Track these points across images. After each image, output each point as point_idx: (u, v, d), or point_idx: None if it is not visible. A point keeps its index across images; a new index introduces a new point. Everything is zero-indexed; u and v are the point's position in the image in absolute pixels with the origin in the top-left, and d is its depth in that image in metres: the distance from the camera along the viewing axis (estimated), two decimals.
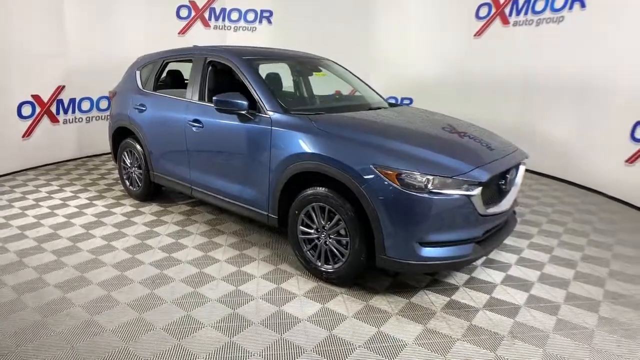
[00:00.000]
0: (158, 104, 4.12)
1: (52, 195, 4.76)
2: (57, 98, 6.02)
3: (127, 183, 4.69)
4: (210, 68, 3.77)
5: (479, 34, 6.63)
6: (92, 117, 6.52)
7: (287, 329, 2.48)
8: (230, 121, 3.36)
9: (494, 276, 3.14)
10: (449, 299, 2.83)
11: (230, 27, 7.64)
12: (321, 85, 4.46)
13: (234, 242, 3.64)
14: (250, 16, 7.65)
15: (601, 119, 5.12)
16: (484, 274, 3.17)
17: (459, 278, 3.10)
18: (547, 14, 5.76)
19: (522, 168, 3.26)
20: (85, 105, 6.42)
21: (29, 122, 5.70)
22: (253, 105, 3.25)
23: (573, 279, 3.12)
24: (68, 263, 3.23)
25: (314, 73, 4.09)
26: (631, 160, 4.70)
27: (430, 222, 2.54)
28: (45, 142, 5.93)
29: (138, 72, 4.51)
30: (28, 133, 5.72)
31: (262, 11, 7.64)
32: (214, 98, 3.23)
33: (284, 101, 3.33)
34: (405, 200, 2.51)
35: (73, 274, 3.07)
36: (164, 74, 4.40)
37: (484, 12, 6.54)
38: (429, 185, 2.51)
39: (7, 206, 4.39)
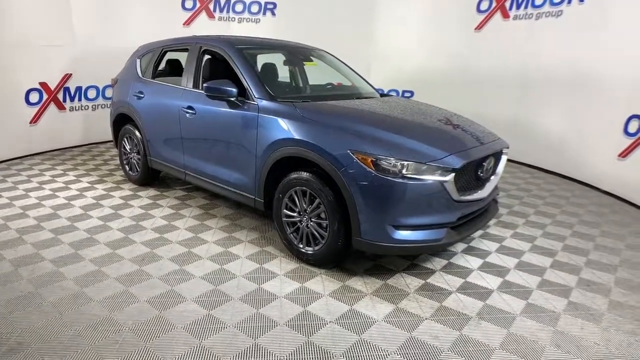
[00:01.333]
0: (155, 91, 4.26)
1: (56, 179, 4.94)
2: (64, 86, 6.21)
3: (127, 168, 4.85)
4: (204, 56, 3.89)
5: (479, 27, 6.64)
6: (97, 105, 6.70)
7: (264, 304, 2.60)
8: (221, 108, 3.48)
9: (472, 262, 3.22)
10: (423, 281, 2.92)
11: (235, 19, 7.75)
12: (317, 75, 4.56)
13: (224, 225, 3.77)
14: (254, 8, 7.75)
15: (596, 113, 5.13)
16: (462, 259, 3.26)
17: (436, 263, 3.19)
18: (547, 7, 5.76)
19: (503, 158, 3.33)
20: (92, 94, 6.60)
21: (36, 108, 5.90)
22: (242, 92, 3.36)
23: (550, 267, 3.18)
24: (64, 241, 3.39)
25: (304, 63, 4.18)
26: (624, 154, 4.72)
27: (404, 206, 2.64)
28: (51, 128, 6.12)
29: (138, 61, 4.65)
30: (35, 119, 5.92)
31: (266, 3, 7.73)
32: (204, 85, 3.36)
33: (273, 89, 3.44)
34: (380, 184, 2.61)
35: (68, 251, 3.23)
36: (163, 63, 4.53)
37: (485, 5, 6.54)
38: (403, 171, 2.60)
39: (11, 188, 4.58)
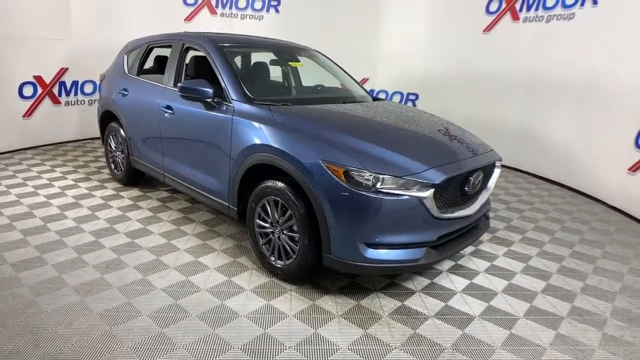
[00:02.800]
0: (138, 88, 4.12)
1: (41, 175, 4.85)
2: (60, 80, 6.13)
3: (112, 167, 4.73)
4: (186, 54, 3.73)
5: (488, 29, 6.34)
6: (94, 99, 6.60)
7: (222, 324, 2.42)
8: (197, 109, 3.31)
9: (457, 283, 2.99)
10: (400, 304, 2.70)
11: (237, 15, 7.58)
12: (309, 76, 4.36)
13: (200, 232, 3.60)
14: (258, 4, 7.57)
15: (605, 123, 4.81)
16: (446, 280, 3.03)
17: (418, 282, 2.97)
18: (558, 10, 5.44)
19: (496, 171, 3.09)
20: (88, 88, 6.52)
21: (30, 102, 5.83)
22: (220, 93, 3.18)
23: (542, 291, 2.93)
24: (32, 243, 3.27)
25: (289, 63, 3.97)
26: (634, 168, 4.40)
27: (377, 222, 2.42)
28: (45, 122, 6.06)
29: (126, 57, 4.52)
30: (29, 113, 5.85)
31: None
32: (178, 85, 3.18)
33: (254, 90, 3.25)
34: (351, 198, 2.40)
35: (32, 254, 3.10)
36: (149, 59, 4.38)
37: (494, 6, 6.24)
38: (377, 184, 2.39)
39: None
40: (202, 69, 3.63)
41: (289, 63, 3.97)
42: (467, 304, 2.74)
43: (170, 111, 3.59)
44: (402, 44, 7.29)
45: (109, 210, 3.94)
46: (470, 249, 3.53)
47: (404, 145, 2.70)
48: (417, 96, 7.47)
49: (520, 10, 5.94)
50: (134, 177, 4.52)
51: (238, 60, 3.68)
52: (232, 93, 3.12)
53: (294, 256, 2.74)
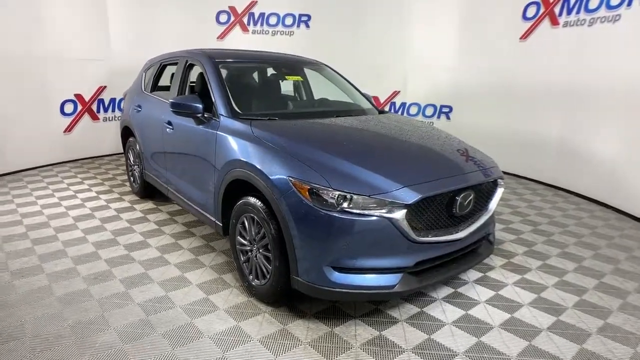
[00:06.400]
0: (149, 105, 4.24)
1: (70, 187, 5.14)
2: (98, 97, 6.53)
3: (131, 180, 4.90)
4: (189, 71, 3.78)
5: (525, 36, 5.91)
6: None
7: (183, 343, 2.35)
8: (190, 124, 3.33)
9: (449, 313, 2.70)
10: (378, 333, 2.48)
11: (269, 32, 7.70)
12: (316, 90, 4.28)
13: (196, 246, 3.59)
14: (289, 20, 7.65)
15: None
16: (438, 309, 2.75)
17: (405, 310, 2.72)
18: (602, 12, 4.94)
19: (498, 191, 2.79)
20: None
21: (70, 118, 6.25)
22: (211, 107, 3.18)
23: (547, 328, 2.57)
24: (37, 252, 3.42)
25: (285, 77, 3.89)
26: None
27: (344, 244, 2.25)
28: (85, 137, 6.46)
29: (144, 74, 4.70)
30: (69, 129, 6.27)
31: (300, 15, 7.59)
32: (170, 100, 3.22)
33: (244, 105, 3.21)
34: (315, 217, 2.25)
35: (34, 263, 3.23)
36: (163, 77, 4.51)
37: (531, 12, 5.81)
38: (344, 204, 2.22)
39: (27, 194, 4.82)
40: (205, 85, 3.66)
41: (287, 77, 3.90)
42: (454, 337, 2.46)
43: (170, 126, 3.65)
44: (434, 55, 7.00)
45: (117, 223, 4.06)
46: (476, 274, 3.22)
47: (383, 162, 2.51)
48: (450, 108, 7.12)
49: (560, 14, 5.48)
50: (149, 190, 4.64)
51: (234, 76, 3.66)
52: (220, 108, 3.10)
53: (268, 276, 2.62)
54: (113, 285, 2.95)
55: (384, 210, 2.22)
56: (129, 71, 6.59)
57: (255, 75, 3.86)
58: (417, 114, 7.47)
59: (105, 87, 6.55)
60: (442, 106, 7.17)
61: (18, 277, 3.02)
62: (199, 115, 3.14)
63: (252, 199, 2.65)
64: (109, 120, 6.76)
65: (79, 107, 6.32)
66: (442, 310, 2.74)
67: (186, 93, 3.76)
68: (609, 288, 3.08)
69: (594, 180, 5.13)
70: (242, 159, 2.70)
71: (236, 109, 3.08)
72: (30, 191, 4.94)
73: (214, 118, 3.11)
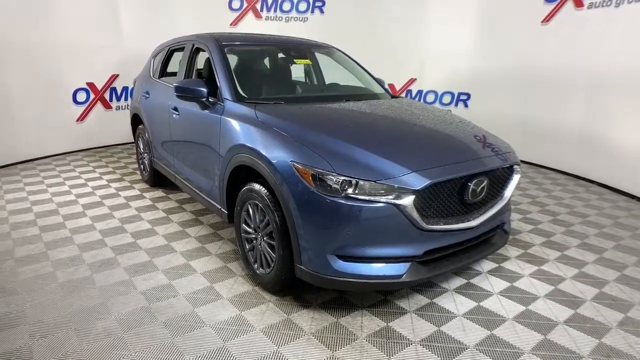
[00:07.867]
0: (156, 91, 4.19)
1: (81, 175, 5.15)
2: (111, 86, 6.53)
3: (142, 167, 4.88)
4: (196, 55, 3.71)
5: (547, 20, 5.65)
6: None
7: (184, 332, 2.30)
8: (195, 109, 3.25)
9: (461, 305, 2.59)
10: (384, 324, 2.39)
11: (282, 18, 7.57)
12: (327, 74, 4.16)
13: (203, 235, 3.54)
14: (303, 6, 7.50)
15: None
16: (449, 300, 2.64)
17: (414, 301, 2.62)
18: None
19: (515, 177, 2.65)
20: None
21: (83, 107, 6.26)
22: (216, 92, 3.09)
23: (564, 322, 2.44)
24: (44, 239, 3.41)
25: (295, 61, 3.78)
26: None
27: (348, 232, 2.15)
28: (97, 126, 6.47)
29: (152, 60, 4.64)
30: (82, 117, 6.29)
31: (314, 1, 7.43)
32: (174, 84, 3.15)
33: (250, 89, 3.12)
34: (318, 204, 2.16)
35: (40, 250, 3.23)
36: (171, 62, 4.45)
37: None
38: (348, 189, 2.12)
39: (38, 182, 4.85)
40: (212, 70, 3.58)
41: (295, 61, 3.78)
42: (465, 330, 2.35)
43: (176, 112, 3.59)
44: (452, 41, 6.77)
45: (126, 210, 4.04)
46: (490, 265, 3.08)
47: (391, 146, 2.39)
48: (468, 96, 6.90)
49: None
50: (158, 179, 4.61)
51: (241, 59, 3.56)
52: (224, 91, 3.01)
53: (273, 265, 2.54)
54: (117, 272, 2.92)
55: (391, 197, 2.11)
56: (141, 59, 6.54)
57: (263, 59, 3.75)
58: (434, 102, 7.27)
59: (117, 75, 6.54)
60: (460, 93, 6.96)
61: (23, 264, 3.01)
62: (203, 99, 3.07)
63: (257, 186, 2.56)
64: (122, 109, 6.76)
65: (92, 96, 6.33)
66: (453, 302, 2.62)
67: (193, 77, 3.69)
68: (630, 280, 2.92)
69: (617, 169, 4.90)
70: (246, 144, 2.61)
71: (241, 92, 2.99)
72: (42, 179, 4.96)
73: (218, 102, 3.02)
